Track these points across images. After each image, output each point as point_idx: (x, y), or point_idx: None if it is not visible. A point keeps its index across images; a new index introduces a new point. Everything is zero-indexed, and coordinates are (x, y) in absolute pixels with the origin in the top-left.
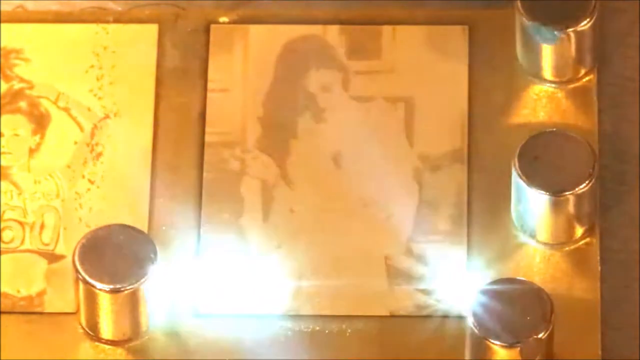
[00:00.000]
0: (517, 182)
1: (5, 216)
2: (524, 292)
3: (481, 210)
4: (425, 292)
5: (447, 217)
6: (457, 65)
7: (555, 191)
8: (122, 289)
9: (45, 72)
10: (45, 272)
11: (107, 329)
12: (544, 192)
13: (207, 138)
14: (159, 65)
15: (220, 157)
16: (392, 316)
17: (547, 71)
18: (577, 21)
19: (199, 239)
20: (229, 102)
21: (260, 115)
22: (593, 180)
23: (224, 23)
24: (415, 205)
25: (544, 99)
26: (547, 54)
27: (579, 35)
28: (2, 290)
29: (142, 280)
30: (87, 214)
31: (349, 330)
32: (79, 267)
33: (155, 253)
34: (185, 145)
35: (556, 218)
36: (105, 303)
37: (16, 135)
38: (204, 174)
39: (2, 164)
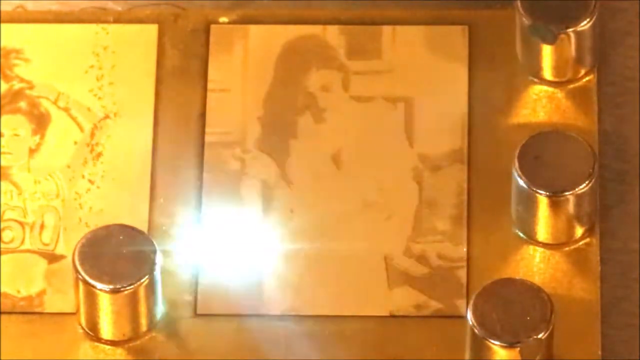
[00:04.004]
0: (517, 182)
1: (5, 216)
2: (524, 292)
3: (481, 210)
4: (425, 292)
5: (447, 217)
6: (457, 65)
7: (555, 191)
8: (122, 289)
9: (45, 72)
10: (45, 272)
11: (107, 329)
12: (544, 192)
13: (207, 138)
14: (159, 65)
15: (220, 157)
16: (392, 316)
17: (547, 71)
18: (577, 21)
19: (199, 239)
20: (229, 102)
21: (260, 115)
22: (593, 180)
23: (224, 23)
24: (415, 205)
25: (544, 99)
26: (547, 54)
27: (579, 35)
28: (2, 290)
29: (142, 280)
30: (87, 214)
31: (349, 330)
32: (79, 267)
33: (155, 253)
34: (185, 145)
35: (556, 218)
36: (105, 303)
37: (16, 135)
38: (204, 174)
39: (2, 164)
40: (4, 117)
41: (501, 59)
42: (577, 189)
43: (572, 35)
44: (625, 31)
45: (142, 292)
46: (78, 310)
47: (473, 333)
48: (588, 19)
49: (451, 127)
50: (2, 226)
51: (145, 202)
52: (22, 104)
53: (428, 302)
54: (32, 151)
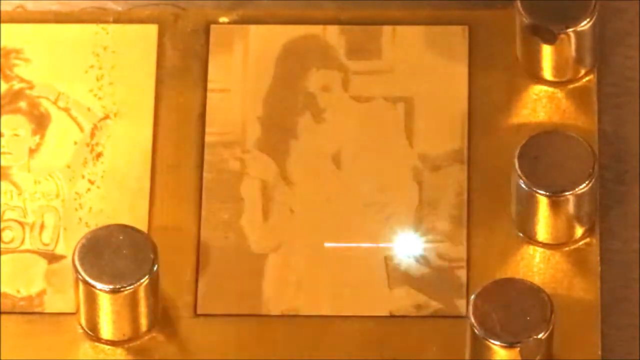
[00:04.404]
0: (517, 182)
1: (5, 216)
2: (524, 292)
3: (481, 210)
4: (425, 292)
5: (447, 217)
6: (457, 65)
7: (555, 191)
8: (122, 289)
9: (45, 72)
10: (45, 272)
11: (107, 329)
12: (544, 192)
13: (207, 138)
14: (159, 65)
15: (220, 157)
16: (392, 316)
17: (547, 71)
18: (577, 21)
19: (199, 239)
20: (229, 102)
21: (260, 115)
22: (593, 180)
23: (224, 23)
24: (415, 205)
25: (544, 99)
26: (547, 54)
27: (579, 35)
28: (2, 290)
29: (142, 280)
30: (87, 214)
31: (349, 330)
32: (79, 267)
33: (155, 253)
34: (185, 145)
35: (556, 218)
36: (105, 303)
37: (16, 135)
38: (204, 174)
39: (2, 164)
40: (4, 117)
41: (501, 59)
42: (577, 189)
43: (572, 35)
44: (625, 31)
45: (142, 292)
46: (78, 310)
47: (473, 333)
48: (588, 19)
49: (451, 127)
50: (2, 226)
51: (145, 202)
52: (22, 104)
53: (428, 302)
54: (32, 151)
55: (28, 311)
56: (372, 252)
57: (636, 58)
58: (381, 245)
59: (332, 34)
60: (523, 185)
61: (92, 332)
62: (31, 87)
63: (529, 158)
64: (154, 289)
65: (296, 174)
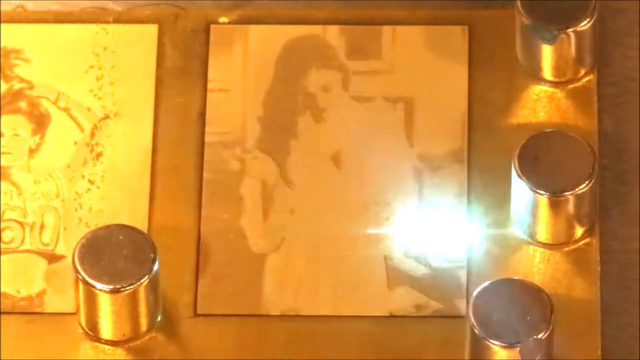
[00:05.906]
0: (517, 182)
1: (5, 216)
2: (524, 292)
3: (481, 210)
4: (425, 292)
5: (447, 217)
6: (457, 65)
7: (555, 191)
8: (122, 289)
9: (45, 72)
10: (45, 272)
11: (107, 329)
12: (544, 192)
13: (207, 138)
14: (159, 65)
15: (220, 157)
16: (392, 316)
17: (547, 71)
18: (577, 21)
19: (199, 239)
20: (229, 102)
21: (260, 115)
22: (593, 180)
23: (224, 23)
24: (415, 205)
25: (544, 99)
26: (547, 54)
27: (579, 35)
28: (2, 290)
29: (142, 280)
30: (87, 214)
31: (349, 330)
32: (78, 267)
33: (155, 253)
34: (185, 145)
35: (556, 218)
36: (105, 303)
37: (16, 135)
38: (204, 174)
39: (2, 164)
40: (4, 117)
41: (501, 59)
42: (577, 189)
43: (572, 35)
44: (625, 31)
45: (142, 292)
46: (78, 310)
47: (473, 333)
48: (588, 19)
49: (451, 127)
50: (2, 226)
51: (145, 202)
52: (22, 104)
53: (428, 302)
54: (32, 151)
55: (28, 311)
56: (372, 252)
57: (636, 58)
58: (381, 245)
59: (332, 34)
60: (523, 185)
61: (92, 332)
62: (31, 87)
63: (529, 158)
64: (154, 289)
65: (296, 174)
